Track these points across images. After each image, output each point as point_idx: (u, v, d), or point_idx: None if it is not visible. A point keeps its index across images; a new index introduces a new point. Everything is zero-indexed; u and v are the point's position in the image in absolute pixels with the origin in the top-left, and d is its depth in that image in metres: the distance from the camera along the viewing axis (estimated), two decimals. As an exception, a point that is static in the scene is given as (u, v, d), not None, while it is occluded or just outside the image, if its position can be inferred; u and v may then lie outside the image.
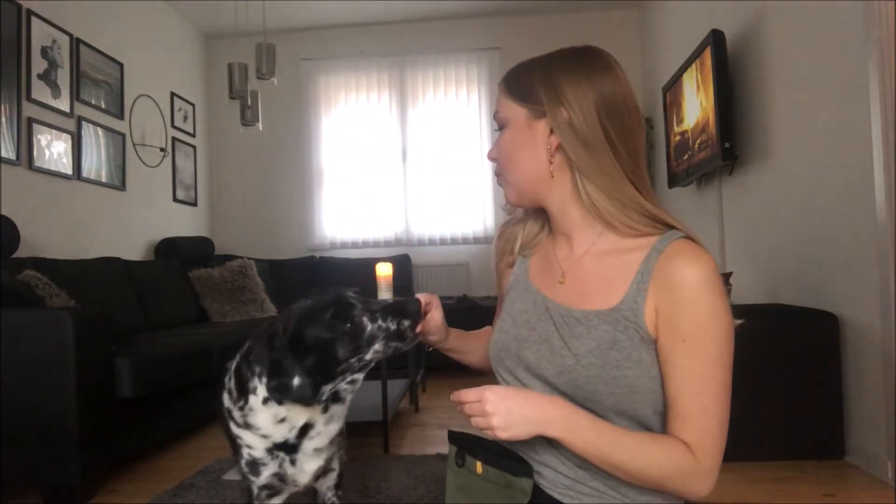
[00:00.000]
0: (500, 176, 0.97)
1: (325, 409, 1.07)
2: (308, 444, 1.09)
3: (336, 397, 1.06)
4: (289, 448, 1.08)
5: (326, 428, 1.09)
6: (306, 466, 1.11)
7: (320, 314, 0.98)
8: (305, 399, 0.97)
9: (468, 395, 0.82)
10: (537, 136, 0.89)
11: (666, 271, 0.82)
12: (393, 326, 0.99)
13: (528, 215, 1.02)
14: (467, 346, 1.12)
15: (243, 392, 1.06)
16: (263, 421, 1.06)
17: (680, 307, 0.80)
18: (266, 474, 1.10)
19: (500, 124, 0.94)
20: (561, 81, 0.87)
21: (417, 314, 1.00)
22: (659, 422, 0.86)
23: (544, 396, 0.83)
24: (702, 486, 0.81)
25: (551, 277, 0.96)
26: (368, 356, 1.00)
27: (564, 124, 0.87)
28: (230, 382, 1.09)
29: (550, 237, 1.01)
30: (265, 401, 1.03)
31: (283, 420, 1.05)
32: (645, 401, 0.83)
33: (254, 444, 1.08)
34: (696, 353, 0.80)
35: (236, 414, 1.08)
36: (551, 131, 0.88)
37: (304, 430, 1.07)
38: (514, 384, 0.93)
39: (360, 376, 1.04)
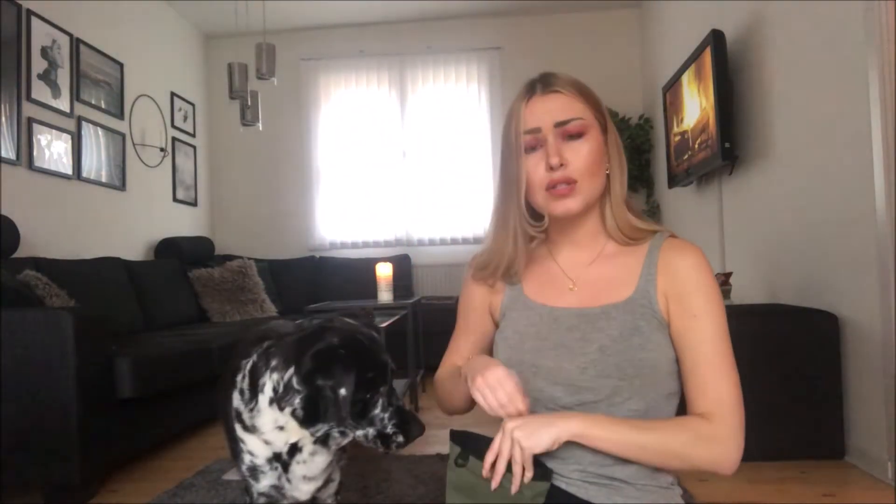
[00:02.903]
0: (571, 183, 0.92)
1: (315, 441, 1.08)
2: (297, 468, 1.09)
3: (325, 441, 1.07)
4: (283, 464, 1.09)
5: (312, 458, 1.10)
6: (302, 486, 1.12)
7: (361, 369, 0.98)
8: (336, 416, 0.99)
9: (494, 444, 0.84)
10: (604, 149, 0.96)
11: (670, 263, 0.93)
12: (390, 430, 1.01)
13: (511, 242, 0.99)
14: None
15: (255, 392, 1.06)
16: (266, 424, 1.06)
17: (688, 288, 0.91)
18: (265, 483, 1.11)
19: (576, 131, 0.92)
20: (600, 100, 0.98)
21: (414, 438, 1.03)
22: (673, 404, 0.92)
23: (563, 414, 0.87)
24: (728, 450, 0.84)
25: (557, 289, 0.99)
26: (359, 432, 1.02)
27: (614, 139, 0.97)
28: (243, 382, 1.09)
29: (545, 252, 1.04)
30: (270, 401, 1.03)
31: (281, 428, 1.06)
32: (664, 381, 0.90)
33: (256, 451, 1.09)
34: (707, 325, 0.89)
35: (245, 415, 1.08)
36: (606, 145, 0.96)
37: (293, 450, 1.08)
38: (535, 394, 0.92)
39: (350, 435, 1.04)
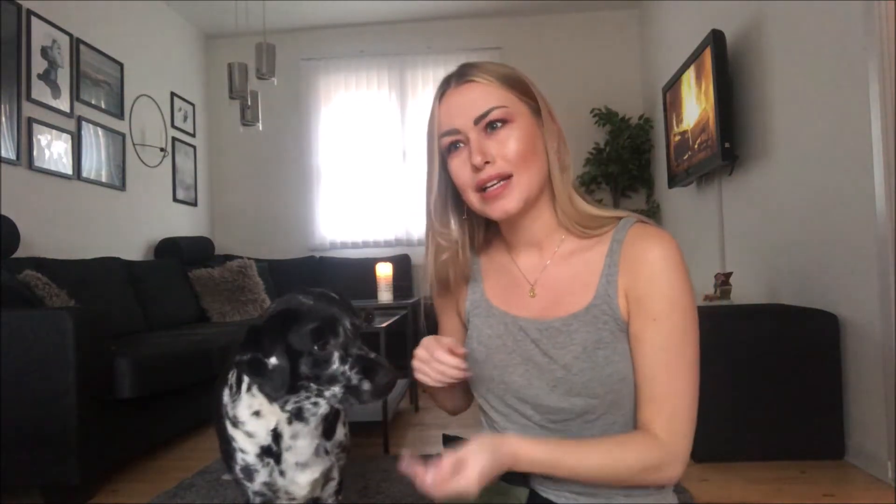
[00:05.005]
0: (505, 179, 0.83)
1: (290, 422, 1.07)
2: (287, 456, 1.09)
3: (300, 415, 1.06)
4: (275, 457, 1.09)
5: (295, 442, 1.09)
6: (298, 478, 1.12)
7: (304, 322, 0.97)
8: (273, 387, 0.96)
9: (444, 465, 0.74)
10: (538, 134, 0.87)
11: (632, 256, 0.82)
12: (355, 381, 0.96)
13: (456, 243, 0.95)
14: (445, 393, 1.06)
15: (240, 385, 1.08)
16: (243, 412, 1.07)
17: (648, 286, 0.80)
18: (259, 481, 1.11)
19: (501, 119, 0.83)
20: (530, 82, 0.89)
21: (388, 387, 0.98)
22: None
23: (503, 441, 0.77)
24: (673, 473, 0.80)
25: (518, 294, 0.92)
26: (327, 394, 0.99)
27: (550, 122, 0.88)
28: (233, 377, 1.10)
29: (503, 252, 0.97)
30: (248, 387, 1.05)
31: (257, 413, 1.06)
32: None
33: (245, 447, 1.09)
34: (667, 331, 0.79)
35: (229, 408, 1.10)
36: (541, 129, 0.87)
37: (277, 439, 1.08)
38: (505, 411, 0.90)
39: (322, 402, 1.02)
